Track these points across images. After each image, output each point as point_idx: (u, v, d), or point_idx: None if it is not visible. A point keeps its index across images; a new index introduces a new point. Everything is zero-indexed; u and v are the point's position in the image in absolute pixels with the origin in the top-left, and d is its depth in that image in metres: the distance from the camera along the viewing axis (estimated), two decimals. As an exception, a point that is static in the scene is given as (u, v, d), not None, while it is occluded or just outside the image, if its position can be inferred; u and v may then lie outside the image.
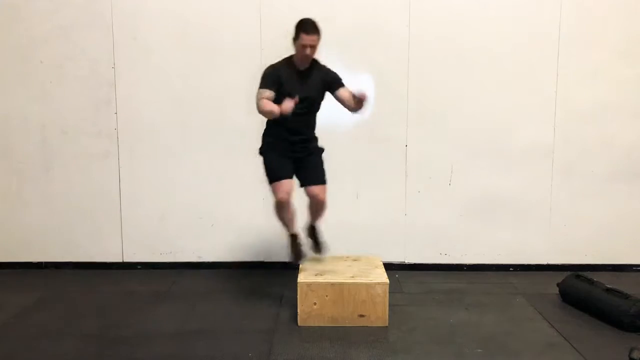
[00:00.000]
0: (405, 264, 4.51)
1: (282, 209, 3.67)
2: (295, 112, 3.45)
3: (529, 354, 3.15)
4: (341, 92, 3.63)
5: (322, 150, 3.78)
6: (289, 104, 3.39)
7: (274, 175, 3.62)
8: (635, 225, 4.48)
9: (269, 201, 4.44)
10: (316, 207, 3.74)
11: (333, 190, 4.39)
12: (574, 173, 4.43)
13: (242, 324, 3.52)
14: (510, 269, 4.51)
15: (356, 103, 3.53)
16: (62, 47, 4.34)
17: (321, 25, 4.26)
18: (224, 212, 4.47)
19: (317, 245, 3.89)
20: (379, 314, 3.47)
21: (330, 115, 4.39)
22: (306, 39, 3.44)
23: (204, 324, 3.51)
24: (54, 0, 4.30)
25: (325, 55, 4.27)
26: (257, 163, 4.40)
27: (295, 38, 3.50)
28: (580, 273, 3.88)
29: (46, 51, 4.34)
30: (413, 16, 4.30)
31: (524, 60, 4.35)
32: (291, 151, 3.64)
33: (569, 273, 3.97)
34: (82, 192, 4.46)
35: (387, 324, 3.47)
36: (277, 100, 3.46)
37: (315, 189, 3.65)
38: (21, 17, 4.33)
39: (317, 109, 3.69)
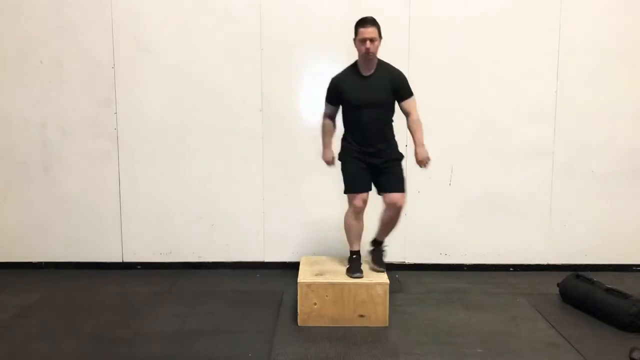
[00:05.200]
0: (405, 264, 4.51)
1: (354, 218, 3.61)
2: (363, 118, 3.47)
3: (529, 354, 3.14)
4: (405, 106, 3.57)
5: (401, 157, 3.66)
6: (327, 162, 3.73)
7: (350, 187, 3.58)
8: (635, 225, 4.48)
9: (269, 201, 4.47)
10: (391, 218, 3.63)
11: (333, 190, 4.40)
12: (574, 173, 4.43)
13: (242, 324, 3.52)
14: (510, 269, 4.51)
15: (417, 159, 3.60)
16: (62, 47, 4.34)
17: (321, 24, 4.30)
18: (224, 212, 4.47)
19: (380, 263, 3.72)
20: (379, 314, 3.47)
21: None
22: (364, 32, 3.36)
23: (204, 324, 3.51)
24: (54, 0, 4.31)
25: (325, 55, 4.30)
26: (257, 163, 4.43)
27: (355, 36, 3.43)
28: (580, 273, 3.88)
29: (46, 51, 4.34)
30: (413, 17, 4.30)
31: (524, 60, 4.34)
32: (368, 159, 3.56)
33: (569, 273, 3.96)
34: (82, 192, 4.46)
35: (387, 324, 3.47)
36: (345, 110, 3.59)
37: (394, 196, 3.55)
38: (21, 17, 4.33)
39: (389, 112, 3.58)
